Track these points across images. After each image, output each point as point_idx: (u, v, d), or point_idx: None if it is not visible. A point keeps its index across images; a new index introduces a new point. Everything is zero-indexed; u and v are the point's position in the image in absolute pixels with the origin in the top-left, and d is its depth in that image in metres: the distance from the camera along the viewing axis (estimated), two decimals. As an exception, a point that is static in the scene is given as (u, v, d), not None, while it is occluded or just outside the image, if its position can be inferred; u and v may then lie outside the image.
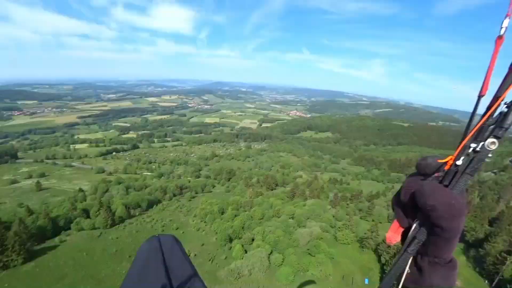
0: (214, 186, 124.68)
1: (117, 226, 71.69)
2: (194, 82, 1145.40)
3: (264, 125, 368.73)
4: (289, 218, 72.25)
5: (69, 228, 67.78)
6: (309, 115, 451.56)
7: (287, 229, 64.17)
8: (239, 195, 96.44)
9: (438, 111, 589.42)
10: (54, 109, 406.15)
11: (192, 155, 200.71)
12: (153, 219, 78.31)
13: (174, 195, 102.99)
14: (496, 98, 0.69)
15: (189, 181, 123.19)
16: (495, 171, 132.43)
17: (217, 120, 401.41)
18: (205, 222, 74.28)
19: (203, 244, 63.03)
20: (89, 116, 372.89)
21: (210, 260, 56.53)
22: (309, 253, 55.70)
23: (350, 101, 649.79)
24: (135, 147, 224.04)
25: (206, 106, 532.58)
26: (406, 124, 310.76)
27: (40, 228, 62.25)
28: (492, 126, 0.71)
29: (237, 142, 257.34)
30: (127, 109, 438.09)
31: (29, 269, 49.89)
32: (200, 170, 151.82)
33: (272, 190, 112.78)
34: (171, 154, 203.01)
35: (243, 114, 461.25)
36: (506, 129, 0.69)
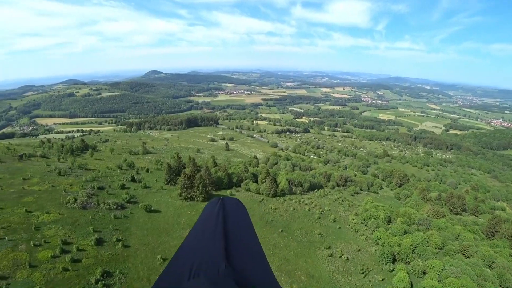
0: (381, 188, 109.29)
1: (278, 197, 71.96)
2: (369, 76, 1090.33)
3: (451, 131, 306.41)
4: (486, 265, 49.94)
5: (239, 186, 75.39)
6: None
7: (482, 283, 43.95)
8: (412, 207, 79.02)
9: None
10: (245, 91, 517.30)
11: (361, 149, 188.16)
12: (312, 202, 73.58)
13: (337, 185, 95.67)
14: None
15: (355, 175, 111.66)
16: None
17: (392, 117, 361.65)
18: (366, 225, 63.58)
19: (358, 250, 53.29)
20: (270, 99, 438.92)
21: (363, 273, 46.68)
22: None
23: None
24: (306, 131, 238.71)
25: (380, 102, 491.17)
26: None
27: (219, 178, 72.04)
28: None
29: (414, 145, 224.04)
30: (302, 97, 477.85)
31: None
32: (367, 167, 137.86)
33: (456, 214, 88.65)
34: (339, 144, 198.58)
35: (425, 115, 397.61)
36: None
